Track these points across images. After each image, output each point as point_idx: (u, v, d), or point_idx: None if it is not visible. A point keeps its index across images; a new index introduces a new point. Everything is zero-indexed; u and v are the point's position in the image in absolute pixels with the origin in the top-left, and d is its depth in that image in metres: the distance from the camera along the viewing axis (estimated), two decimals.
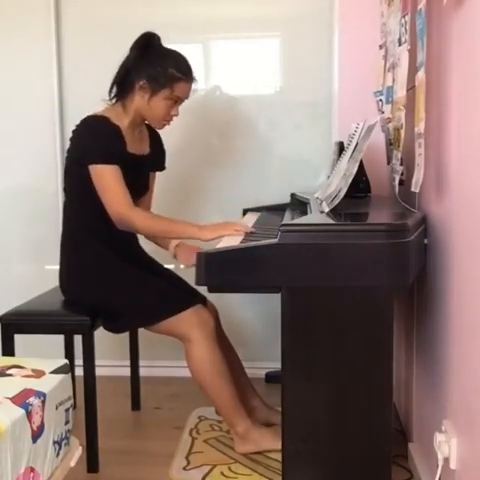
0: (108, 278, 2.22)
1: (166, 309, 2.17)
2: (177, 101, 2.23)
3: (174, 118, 2.28)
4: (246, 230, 2.04)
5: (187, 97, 2.26)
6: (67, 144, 2.20)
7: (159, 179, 2.45)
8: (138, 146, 2.30)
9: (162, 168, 2.45)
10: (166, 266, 2.50)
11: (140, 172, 2.33)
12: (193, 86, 2.25)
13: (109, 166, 2.11)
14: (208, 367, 2.16)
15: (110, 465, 2.20)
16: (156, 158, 2.40)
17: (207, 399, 2.23)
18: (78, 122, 2.19)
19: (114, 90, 2.25)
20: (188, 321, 2.17)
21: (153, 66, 2.16)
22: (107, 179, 2.12)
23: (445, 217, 1.68)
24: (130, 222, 2.13)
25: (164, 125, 2.30)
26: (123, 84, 2.23)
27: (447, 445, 1.54)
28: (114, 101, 2.26)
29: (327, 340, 1.61)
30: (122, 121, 2.22)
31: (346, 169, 1.84)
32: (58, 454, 1.60)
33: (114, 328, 2.25)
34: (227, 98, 2.37)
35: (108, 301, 2.20)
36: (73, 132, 2.22)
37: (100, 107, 2.24)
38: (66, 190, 2.28)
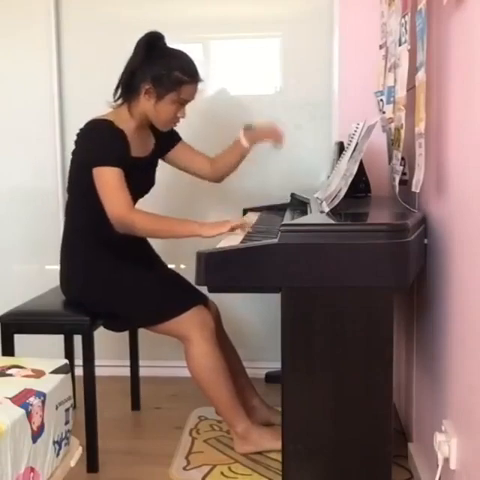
0: (110, 279, 2.22)
1: (167, 310, 2.17)
2: (183, 103, 2.21)
3: (181, 120, 2.26)
4: (245, 226, 2.04)
5: (193, 98, 2.23)
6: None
7: (159, 178, 2.44)
8: (143, 147, 2.28)
9: (179, 138, 2.41)
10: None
11: (144, 172, 2.32)
12: (199, 86, 2.22)
13: (111, 168, 2.08)
14: (208, 368, 2.16)
15: (110, 465, 2.20)
16: (164, 143, 2.37)
17: (207, 400, 2.22)
18: (80, 123, 2.18)
19: (119, 92, 2.22)
20: (188, 322, 2.16)
21: (158, 69, 2.12)
22: (108, 181, 2.09)
23: (445, 217, 1.68)
24: (131, 224, 2.09)
25: (170, 127, 2.29)
26: (128, 87, 2.19)
27: (447, 445, 1.54)
28: (119, 103, 2.23)
29: (327, 340, 1.61)
30: (128, 124, 2.19)
31: (346, 169, 1.84)
32: (58, 454, 1.60)
33: (115, 327, 2.25)
34: (227, 98, 2.37)
35: (110, 301, 2.20)
36: (77, 135, 2.20)
37: (107, 109, 2.21)
38: (69, 191, 2.28)
